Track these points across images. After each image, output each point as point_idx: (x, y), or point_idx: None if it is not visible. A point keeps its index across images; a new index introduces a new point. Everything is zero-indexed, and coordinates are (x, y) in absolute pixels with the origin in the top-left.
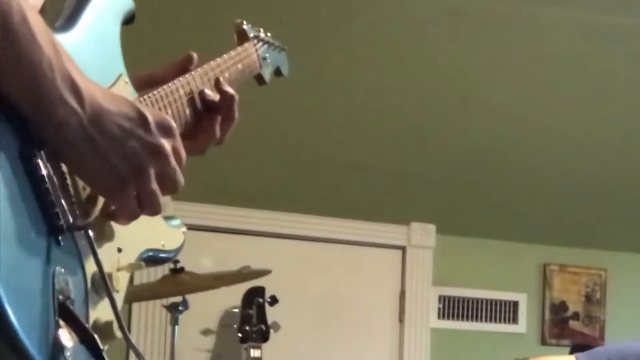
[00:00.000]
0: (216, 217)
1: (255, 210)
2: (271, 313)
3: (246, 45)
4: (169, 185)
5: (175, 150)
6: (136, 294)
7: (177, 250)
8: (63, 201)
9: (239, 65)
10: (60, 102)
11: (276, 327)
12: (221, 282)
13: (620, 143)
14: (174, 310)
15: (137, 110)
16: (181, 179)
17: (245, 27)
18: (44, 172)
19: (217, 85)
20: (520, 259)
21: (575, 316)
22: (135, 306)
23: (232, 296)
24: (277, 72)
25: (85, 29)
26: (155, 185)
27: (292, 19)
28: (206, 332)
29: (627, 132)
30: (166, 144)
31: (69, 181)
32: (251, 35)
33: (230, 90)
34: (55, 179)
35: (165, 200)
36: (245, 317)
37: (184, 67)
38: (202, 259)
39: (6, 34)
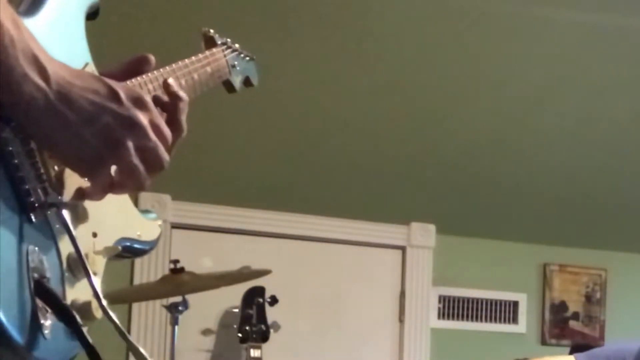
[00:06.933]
0: (216, 217)
1: (255, 210)
2: (271, 313)
3: (214, 50)
4: (152, 161)
5: (154, 125)
6: (136, 294)
7: (153, 243)
8: (34, 178)
9: (208, 68)
10: (24, 80)
11: (276, 327)
12: (221, 282)
13: (621, 143)
14: (174, 310)
15: (106, 85)
16: (165, 155)
17: (212, 34)
18: (12, 147)
19: (167, 88)
20: (520, 259)
21: (575, 316)
22: (135, 306)
23: (232, 296)
24: (247, 81)
25: (49, 15)
26: (136, 160)
27: (294, 21)
28: (206, 332)
29: (627, 132)
30: (141, 116)
31: (38, 159)
32: (219, 42)
33: (181, 94)
34: (24, 155)
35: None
36: (245, 317)
37: (137, 69)
38: (202, 259)
39: None
